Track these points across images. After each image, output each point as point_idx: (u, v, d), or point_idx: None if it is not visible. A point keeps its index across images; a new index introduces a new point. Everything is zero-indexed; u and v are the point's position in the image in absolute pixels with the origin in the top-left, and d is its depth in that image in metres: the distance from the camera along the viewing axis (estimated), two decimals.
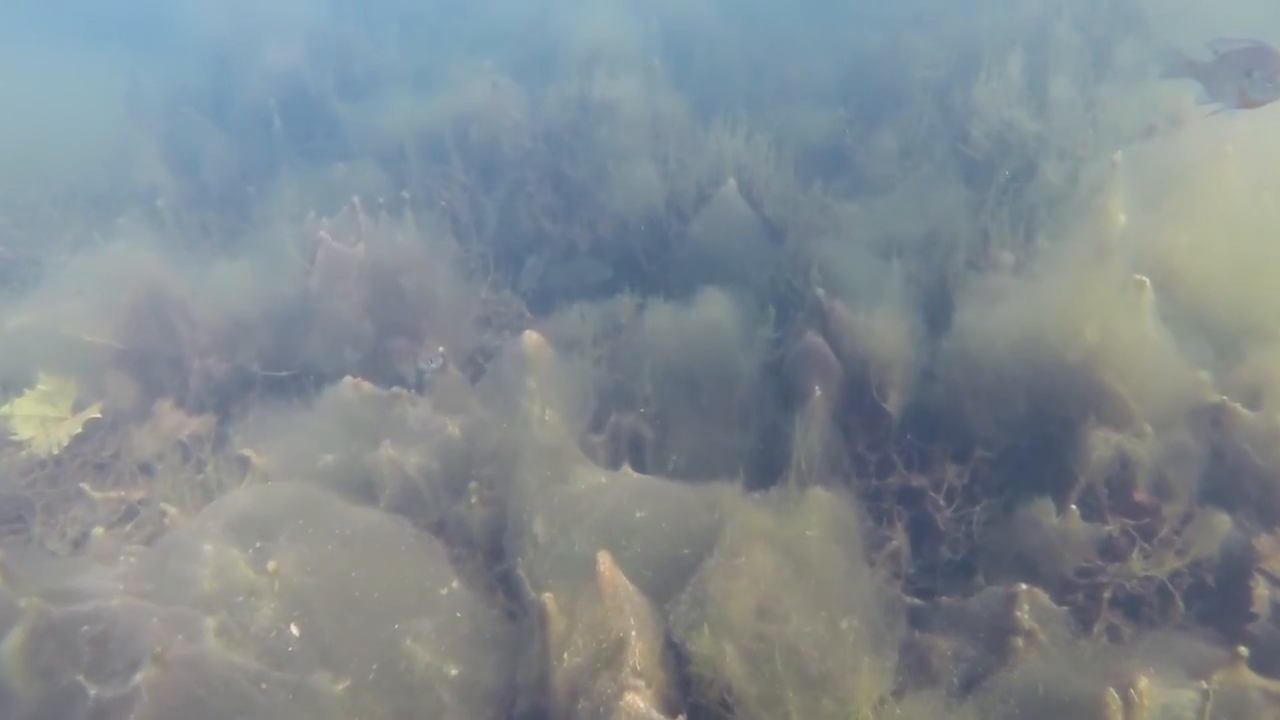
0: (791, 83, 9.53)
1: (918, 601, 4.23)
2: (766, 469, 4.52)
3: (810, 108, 8.65)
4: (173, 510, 3.59)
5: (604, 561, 2.87)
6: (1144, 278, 3.91)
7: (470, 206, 7.39)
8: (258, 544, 3.68)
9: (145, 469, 4.73)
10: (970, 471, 4.51)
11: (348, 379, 4.44)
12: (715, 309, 4.62)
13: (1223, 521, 3.62)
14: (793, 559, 2.91)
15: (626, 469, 3.83)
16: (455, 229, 7.23)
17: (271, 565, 3.24)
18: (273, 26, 8.56)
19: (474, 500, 4.06)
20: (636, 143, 6.95)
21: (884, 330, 4.45)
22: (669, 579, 3.21)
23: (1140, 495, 3.97)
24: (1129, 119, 6.32)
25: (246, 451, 4.21)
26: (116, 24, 10.54)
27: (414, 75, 9.11)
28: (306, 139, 7.99)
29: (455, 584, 3.56)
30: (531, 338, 3.59)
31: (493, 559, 4.15)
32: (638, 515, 3.36)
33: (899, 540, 4.36)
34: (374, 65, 8.78)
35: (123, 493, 4.33)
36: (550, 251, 6.54)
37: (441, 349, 3.91)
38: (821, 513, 3.18)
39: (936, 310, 5.08)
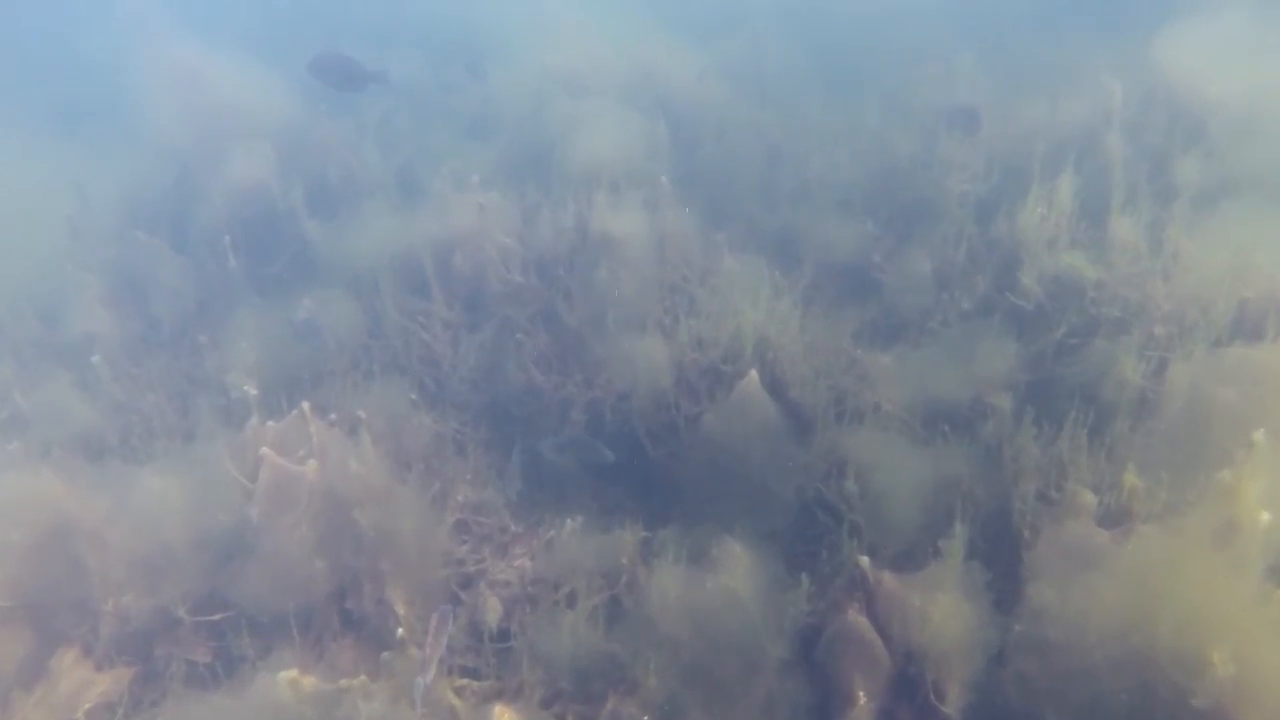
0: (812, 177, 8.70)
1: None
2: None
3: (834, 219, 7.82)
4: None
5: None
6: None
7: (452, 346, 6.55)
8: None
9: None
10: None
11: (284, 674, 3.58)
12: (734, 575, 3.77)
13: None
14: None
15: None
16: (435, 376, 6.41)
17: None
18: (240, 126, 7.74)
19: None
20: (640, 287, 6.11)
21: (943, 617, 3.58)
22: None
23: None
24: (1212, 278, 5.44)
25: None
26: (82, 118, 9.75)
27: (395, 176, 8.28)
28: (272, 261, 7.15)
29: None
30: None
31: None
32: None
33: None
34: (351, 169, 7.94)
35: None
36: (541, 428, 5.69)
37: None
38: None
39: (1000, 556, 4.22)
